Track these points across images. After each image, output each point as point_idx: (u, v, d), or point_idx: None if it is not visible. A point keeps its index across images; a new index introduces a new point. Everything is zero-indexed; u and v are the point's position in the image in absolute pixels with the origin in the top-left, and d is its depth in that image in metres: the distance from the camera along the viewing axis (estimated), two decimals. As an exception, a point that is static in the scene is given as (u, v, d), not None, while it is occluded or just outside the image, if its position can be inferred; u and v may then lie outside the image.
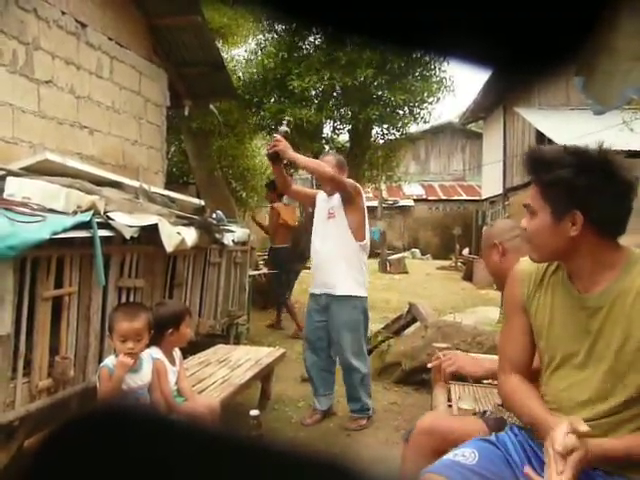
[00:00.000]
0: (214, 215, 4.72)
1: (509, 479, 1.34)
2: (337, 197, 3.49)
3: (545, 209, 1.31)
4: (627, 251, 1.31)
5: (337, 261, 3.46)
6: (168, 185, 6.34)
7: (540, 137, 11.87)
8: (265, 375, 3.77)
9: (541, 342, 1.43)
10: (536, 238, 1.34)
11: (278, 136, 3.36)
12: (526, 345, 1.48)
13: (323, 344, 3.67)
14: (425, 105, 6.90)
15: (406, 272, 13.72)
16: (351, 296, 3.46)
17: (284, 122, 3.70)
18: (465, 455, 1.36)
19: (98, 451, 0.34)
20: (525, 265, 1.49)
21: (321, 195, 3.70)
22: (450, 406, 2.74)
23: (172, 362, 2.61)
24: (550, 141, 10.92)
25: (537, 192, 1.33)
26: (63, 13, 4.41)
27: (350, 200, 3.45)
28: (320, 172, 3.44)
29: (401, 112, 6.85)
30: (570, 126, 10.43)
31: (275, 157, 3.38)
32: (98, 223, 2.88)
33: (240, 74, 7.22)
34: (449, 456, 1.38)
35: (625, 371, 1.26)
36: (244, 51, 7.82)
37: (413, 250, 19.17)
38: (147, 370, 2.39)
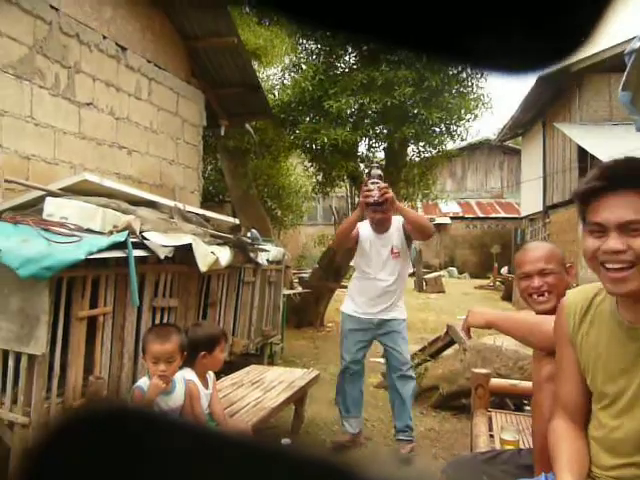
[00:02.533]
0: (249, 234, 4.71)
1: None
2: (399, 235, 3.47)
3: None
4: None
5: (398, 293, 3.60)
6: (204, 204, 6.40)
7: (582, 153, 11.54)
8: (299, 398, 3.69)
9: (588, 378, 1.34)
10: None
11: (380, 182, 3.11)
12: (578, 384, 1.38)
13: (361, 365, 3.68)
14: (462, 122, 6.80)
15: (443, 291, 13.46)
16: (405, 319, 3.64)
17: (375, 165, 3.48)
18: None
19: (98, 451, 0.33)
20: (573, 296, 1.41)
21: (366, 229, 3.53)
22: (492, 436, 2.61)
23: (205, 385, 2.56)
24: (592, 157, 10.61)
25: None
26: (104, 37, 4.52)
27: (413, 237, 3.50)
28: (425, 225, 3.38)
29: (437, 130, 6.76)
30: (613, 142, 10.10)
31: (379, 204, 3.16)
32: (133, 243, 2.89)
33: (276, 93, 7.28)
34: None
35: None
36: (279, 70, 7.89)
37: (450, 269, 18.85)
38: (180, 392, 2.35)
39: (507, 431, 2.47)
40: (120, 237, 2.80)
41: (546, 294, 1.78)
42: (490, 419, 2.85)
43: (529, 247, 1.94)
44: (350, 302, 3.66)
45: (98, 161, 4.49)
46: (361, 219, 3.43)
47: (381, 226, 3.48)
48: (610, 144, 10.01)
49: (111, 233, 2.91)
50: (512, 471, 1.76)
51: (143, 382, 2.29)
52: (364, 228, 3.57)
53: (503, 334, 1.89)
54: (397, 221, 3.55)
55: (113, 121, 4.69)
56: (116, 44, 4.68)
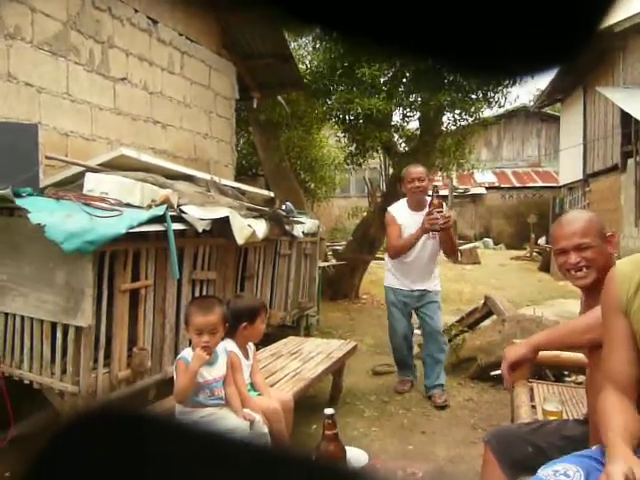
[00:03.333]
0: (283, 207, 4.70)
1: None
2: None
3: None
4: None
5: (433, 267, 3.95)
6: (238, 177, 6.42)
7: (625, 118, 11.08)
8: (337, 368, 3.72)
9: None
10: None
11: (442, 210, 3.54)
12: (630, 354, 1.34)
13: (409, 329, 4.07)
14: (500, 88, 6.57)
15: (478, 262, 13.28)
16: (440, 290, 4.03)
17: (436, 193, 3.61)
18: (569, 474, 1.21)
19: (99, 453, 0.33)
20: (623, 266, 1.38)
21: (402, 209, 3.83)
22: (534, 407, 2.58)
23: (246, 356, 2.60)
24: (637, 122, 10.17)
25: None
26: (136, 11, 4.51)
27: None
28: (455, 251, 4.07)
29: (474, 96, 6.55)
30: (660, 105, 9.65)
31: (440, 231, 3.61)
32: (172, 216, 2.91)
33: (307, 63, 7.17)
34: (547, 473, 1.23)
35: None
36: (310, 38, 7.74)
37: (485, 240, 18.55)
38: (222, 363, 2.38)
39: (550, 402, 2.43)
40: (159, 211, 2.82)
41: (584, 269, 1.70)
42: (531, 390, 2.81)
43: (564, 220, 1.81)
44: (391, 277, 4.00)
45: (134, 136, 4.53)
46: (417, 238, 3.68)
47: (418, 198, 3.76)
48: (656, 107, 9.56)
49: (150, 207, 2.94)
50: (558, 442, 1.72)
51: (187, 353, 2.33)
52: (399, 210, 3.83)
53: (556, 350, 1.82)
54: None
55: (147, 96, 4.70)
56: (147, 17, 4.66)
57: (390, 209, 3.91)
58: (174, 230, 2.90)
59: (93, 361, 2.64)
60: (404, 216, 3.78)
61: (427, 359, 3.95)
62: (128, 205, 2.93)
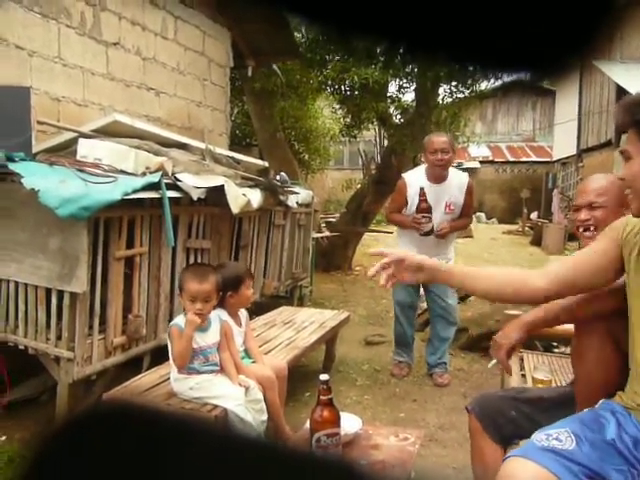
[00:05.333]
0: (278, 177, 4.68)
1: (613, 470, 1.21)
2: (457, 193, 3.57)
3: None
4: None
5: (449, 242, 3.79)
6: (232, 147, 6.35)
7: (621, 92, 11.03)
8: (330, 338, 3.76)
9: (631, 293, 1.37)
10: (635, 183, 1.27)
11: (430, 217, 3.41)
12: (589, 265, 1.43)
13: (413, 307, 3.94)
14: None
15: (471, 236, 13.33)
16: (452, 259, 3.83)
17: (423, 194, 3.45)
18: (560, 439, 1.23)
19: (101, 450, 0.33)
20: (626, 220, 1.41)
21: (418, 179, 3.53)
22: (523, 376, 2.62)
23: (238, 323, 2.62)
24: (633, 97, 10.12)
25: (633, 135, 1.26)
26: (128, -28, 4.39)
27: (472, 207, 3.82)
28: (463, 227, 3.97)
29: (471, 68, 6.48)
30: (657, 80, 9.61)
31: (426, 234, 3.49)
32: (166, 184, 2.90)
33: (303, 31, 7.04)
34: (540, 438, 1.26)
35: None
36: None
37: (478, 214, 18.57)
38: (215, 330, 2.41)
39: (540, 370, 2.47)
40: (154, 178, 2.80)
41: (592, 229, 1.71)
42: (521, 359, 2.86)
43: (589, 178, 1.84)
44: (401, 248, 3.68)
45: (127, 102, 4.46)
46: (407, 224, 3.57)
47: (440, 170, 3.48)
48: (653, 82, 9.53)
49: (144, 174, 2.92)
50: (540, 404, 1.76)
51: (180, 320, 2.35)
52: (416, 180, 3.53)
53: (549, 327, 1.83)
54: (460, 178, 3.59)
55: (140, 61, 4.61)
56: (140, -20, 4.55)
57: (405, 177, 3.64)
58: (169, 198, 2.89)
59: (88, 327, 2.65)
60: (418, 180, 3.50)
61: (433, 337, 3.84)
62: (122, 172, 2.90)
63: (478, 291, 1.60)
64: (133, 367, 2.92)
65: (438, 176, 3.49)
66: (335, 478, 0.33)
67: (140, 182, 2.71)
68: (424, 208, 3.39)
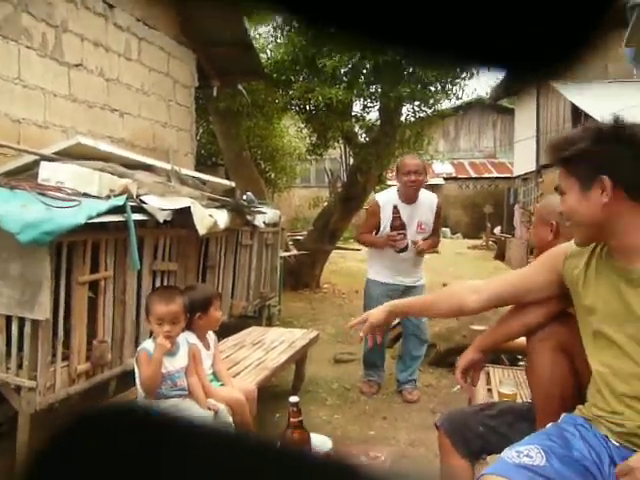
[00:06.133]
0: (244, 196, 4.68)
1: None
2: (428, 214, 3.70)
3: (573, 184, 1.34)
4: None
5: (420, 262, 3.87)
6: (197, 167, 6.33)
7: (576, 112, 11.45)
8: (299, 357, 3.75)
9: (583, 315, 1.44)
10: (571, 216, 1.37)
11: (405, 234, 3.52)
12: (520, 287, 1.58)
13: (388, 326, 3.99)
14: (457, 81, 6.69)
15: (437, 251, 13.50)
16: (424, 285, 3.95)
17: (397, 211, 3.56)
18: (531, 455, 1.27)
19: (102, 452, 0.33)
20: (573, 248, 1.49)
21: (391, 200, 3.62)
22: (490, 390, 2.68)
23: (206, 346, 2.60)
24: (587, 116, 10.53)
25: (563, 171, 1.37)
26: (91, -6, 4.37)
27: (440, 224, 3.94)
28: (434, 245, 4.00)
29: (433, 88, 6.65)
30: (608, 100, 10.02)
31: (401, 251, 3.58)
32: (131, 207, 2.87)
33: (268, 52, 7.11)
34: (511, 455, 1.29)
35: None
36: (272, 28, 7.67)
37: (443, 229, 18.90)
38: (183, 354, 2.38)
39: (505, 385, 2.53)
40: (119, 201, 2.77)
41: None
42: (488, 374, 2.92)
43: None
44: (374, 269, 3.83)
45: (90, 124, 4.40)
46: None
47: (412, 191, 3.58)
48: (605, 102, 9.93)
49: (109, 197, 2.88)
50: (507, 419, 1.80)
51: (148, 344, 2.31)
52: (388, 202, 3.61)
53: (502, 344, 1.94)
54: (431, 198, 3.71)
55: (103, 82, 4.58)
56: (103, 1, 4.52)
57: (378, 198, 3.76)
58: (134, 220, 2.85)
59: (51, 355, 2.58)
60: (390, 200, 3.60)
61: (405, 355, 3.88)
62: (86, 195, 2.86)
63: (431, 313, 2.06)
64: (99, 394, 2.86)
65: (410, 197, 3.59)
66: (335, 478, 0.33)
67: (104, 205, 2.68)
68: (398, 225, 3.47)
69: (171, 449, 0.33)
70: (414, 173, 3.50)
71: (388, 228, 3.58)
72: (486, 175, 20.35)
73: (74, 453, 0.33)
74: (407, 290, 3.74)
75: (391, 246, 3.53)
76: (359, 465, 0.33)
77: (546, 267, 1.55)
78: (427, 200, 3.69)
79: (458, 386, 2.12)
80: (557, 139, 1.45)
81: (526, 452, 1.28)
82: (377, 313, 1.85)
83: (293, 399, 1.79)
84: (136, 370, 2.31)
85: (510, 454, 1.29)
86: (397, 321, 4.36)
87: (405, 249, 3.54)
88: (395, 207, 3.52)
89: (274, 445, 0.35)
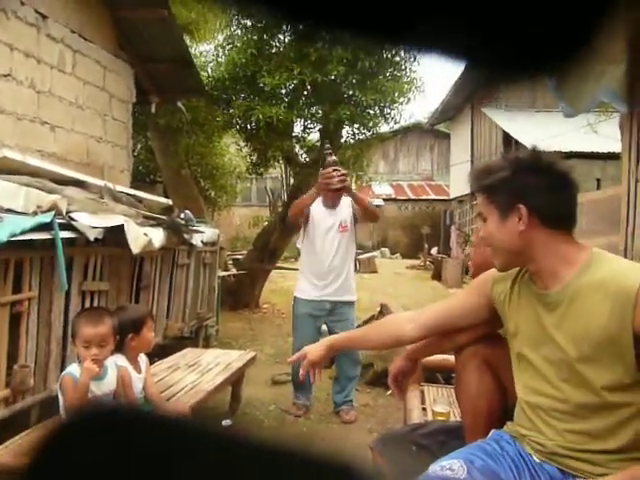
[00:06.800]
0: (182, 215, 4.60)
1: None
2: (348, 211, 3.71)
3: (493, 212, 1.39)
4: (589, 250, 1.35)
5: (349, 271, 3.79)
6: (134, 183, 6.17)
7: (507, 138, 12.04)
8: (236, 379, 3.68)
9: (509, 337, 1.50)
10: (491, 241, 1.43)
11: (339, 169, 3.41)
12: (454, 315, 1.64)
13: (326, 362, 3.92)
14: (395, 105, 6.89)
15: (376, 271, 13.75)
16: (355, 301, 3.89)
17: (328, 151, 3.50)
18: (453, 468, 1.31)
19: (97, 453, 0.33)
20: (497, 273, 1.55)
21: (318, 206, 3.69)
22: (424, 409, 2.72)
23: (137, 369, 2.51)
24: (517, 142, 11.10)
25: (483, 199, 1.43)
26: (22, 3, 4.22)
27: (360, 220, 3.78)
28: (373, 210, 3.76)
29: (372, 112, 6.81)
30: (536, 127, 10.61)
31: (337, 190, 3.45)
32: (60, 224, 2.75)
33: (209, 70, 7.08)
34: (435, 469, 1.33)
35: (587, 367, 1.28)
36: (213, 47, 7.67)
37: (382, 249, 19.25)
38: (112, 377, 2.29)
39: (439, 403, 2.58)
40: (46, 218, 2.65)
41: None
42: (422, 392, 2.97)
43: None
44: (301, 284, 3.82)
45: (18, 137, 4.21)
46: (313, 201, 3.59)
47: (333, 202, 3.67)
48: (533, 130, 10.51)
49: (35, 214, 2.75)
50: (439, 438, 1.84)
51: (73, 369, 2.21)
52: (314, 205, 3.70)
53: (429, 356, 2.03)
54: (347, 200, 3.76)
55: (34, 94, 4.40)
56: (36, 12, 4.37)
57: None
58: (63, 239, 2.74)
59: (-34, 381, 2.42)
60: (316, 207, 3.68)
61: (340, 376, 3.86)
62: (10, 211, 2.72)
63: (371, 346, 2.09)
64: (20, 422, 2.69)
65: (331, 204, 3.68)
66: (334, 478, 0.33)
67: (30, 222, 2.55)
68: (331, 162, 3.41)
69: (164, 449, 0.33)
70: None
71: (318, 227, 3.66)
72: (424, 197, 20.97)
73: (66, 457, 0.33)
74: (335, 307, 3.73)
75: (326, 185, 3.39)
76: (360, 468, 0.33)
77: (478, 292, 1.61)
78: (345, 203, 3.74)
79: (390, 392, 2.18)
80: (479, 168, 1.52)
81: (448, 466, 1.33)
82: (316, 349, 1.80)
83: (226, 422, 1.75)
84: (60, 396, 2.20)
85: (434, 468, 1.33)
86: None
87: (341, 188, 3.43)
88: (328, 147, 3.52)
89: (274, 447, 0.35)
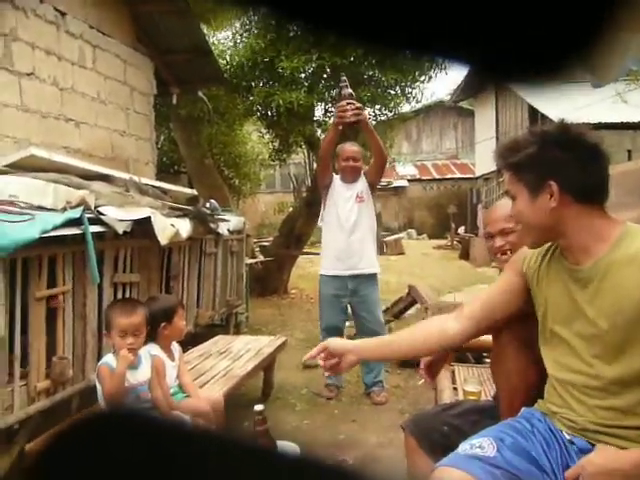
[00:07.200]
0: (208, 204, 4.64)
1: (533, 472, 1.29)
2: (363, 183, 3.77)
3: (522, 190, 1.36)
4: (622, 225, 1.32)
5: (368, 243, 3.78)
6: (159, 175, 6.24)
7: (533, 112, 11.76)
8: (267, 365, 3.73)
9: (539, 313, 1.47)
10: (522, 220, 1.40)
11: (355, 103, 3.35)
12: (491, 301, 1.56)
13: (344, 324, 3.97)
14: (417, 84, 6.78)
15: (403, 253, 13.68)
16: (377, 274, 3.85)
17: (344, 83, 3.40)
18: (483, 446, 1.30)
19: (101, 453, 0.34)
20: (529, 250, 1.52)
21: (337, 182, 3.80)
22: (455, 389, 2.71)
23: (171, 357, 2.56)
24: (543, 116, 10.83)
25: (511, 176, 1.39)
26: (41, 1, 4.27)
27: (375, 187, 3.84)
28: (382, 149, 3.69)
29: (393, 92, 6.72)
30: (563, 100, 10.33)
31: (353, 124, 3.39)
32: (89, 219, 2.80)
33: (227, 58, 7.07)
34: (465, 448, 1.32)
35: (618, 342, 1.26)
36: (231, 34, 7.64)
37: (409, 230, 19.12)
38: (146, 367, 2.34)
39: (470, 383, 2.56)
40: (75, 213, 2.71)
41: (509, 252, 1.82)
42: (453, 373, 2.96)
43: (494, 206, 1.98)
44: (324, 260, 3.87)
45: (44, 135, 4.29)
46: (335, 139, 3.62)
47: (351, 175, 3.74)
48: (561, 102, 10.23)
49: (64, 209, 2.81)
50: (471, 417, 1.84)
51: (109, 358, 2.26)
52: (334, 181, 3.81)
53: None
54: (362, 176, 3.84)
55: (57, 92, 4.47)
56: (54, 9, 4.42)
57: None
58: (92, 233, 2.79)
59: (8, 374, 2.50)
60: (336, 188, 3.78)
61: None
62: (40, 208, 2.78)
63: (403, 352, 1.74)
64: (61, 412, 2.78)
65: (349, 179, 3.76)
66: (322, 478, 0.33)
67: (60, 218, 2.61)
68: (347, 95, 3.36)
69: (168, 451, 0.33)
70: (352, 159, 3.70)
71: (339, 202, 3.72)
72: (449, 176, 20.70)
73: (72, 457, 0.33)
74: (358, 285, 3.75)
75: (340, 118, 3.35)
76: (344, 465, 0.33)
77: (514, 272, 1.57)
78: (361, 178, 3.80)
79: (422, 380, 2.12)
80: (504, 144, 1.47)
81: (478, 444, 1.32)
82: (336, 347, 1.66)
83: (258, 407, 1.78)
84: (98, 386, 2.26)
85: (464, 447, 1.33)
86: (349, 324, 4.34)
87: (356, 122, 3.38)
88: (344, 78, 3.46)
89: (272, 451, 0.36)
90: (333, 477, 0.34)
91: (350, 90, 3.39)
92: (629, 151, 9.16)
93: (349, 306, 3.91)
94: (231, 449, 0.35)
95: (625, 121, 9.03)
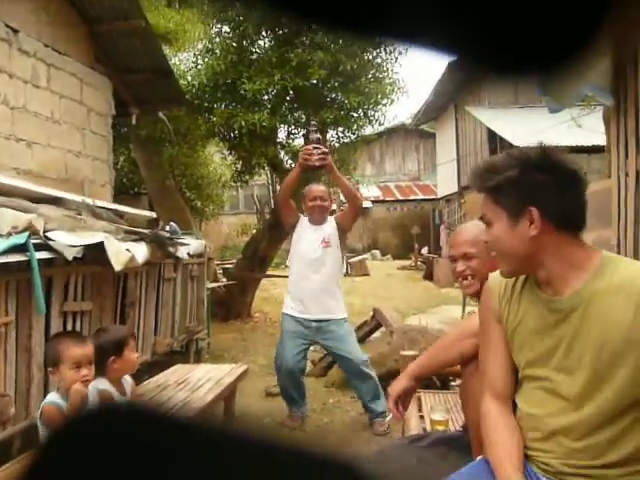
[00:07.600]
0: (167, 227, 4.50)
1: None
2: (332, 228, 3.68)
3: (500, 215, 1.27)
4: (599, 253, 1.27)
5: (334, 288, 3.70)
6: (118, 197, 6.07)
7: (491, 135, 12.06)
8: (228, 394, 3.59)
9: (518, 353, 1.38)
10: (499, 247, 1.30)
11: (322, 148, 3.36)
12: (505, 360, 1.41)
13: (303, 365, 3.82)
14: (379, 107, 6.84)
15: (367, 274, 13.69)
16: (345, 318, 3.75)
17: (314, 128, 3.48)
18: None
19: (100, 453, 0.32)
20: (494, 277, 1.44)
21: (305, 222, 3.72)
22: (422, 417, 2.64)
23: (122, 392, 2.41)
24: (501, 139, 11.09)
25: (489, 200, 1.30)
26: (-8, 18, 4.11)
27: (346, 232, 3.75)
28: (354, 193, 3.69)
29: (356, 114, 6.76)
30: (520, 124, 10.62)
31: (317, 168, 3.41)
32: (36, 244, 2.65)
33: (189, 79, 6.99)
34: None
35: (605, 373, 1.20)
36: (192, 55, 7.57)
37: (373, 251, 19.21)
38: (93, 403, 2.18)
39: (437, 411, 2.49)
40: (20, 239, 2.55)
41: (469, 278, 1.77)
42: (419, 399, 2.89)
43: (458, 230, 1.93)
44: (288, 300, 3.76)
45: (-8, 155, 4.10)
46: (297, 178, 3.56)
47: (319, 216, 3.68)
48: (517, 126, 10.51)
49: (9, 235, 2.65)
50: (441, 450, 1.77)
51: (54, 397, 2.10)
52: (302, 222, 3.74)
53: (436, 373, 1.90)
54: (332, 219, 3.79)
55: (8, 111, 4.28)
56: (6, 26, 4.27)
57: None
58: (40, 259, 2.64)
59: (-58, 414, 2.31)
60: (304, 228, 3.71)
61: (360, 394, 3.76)
62: (-17, 233, 2.61)
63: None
64: (1, 452, 2.58)
65: (317, 220, 3.69)
66: (336, 476, 0.33)
67: (4, 244, 2.45)
68: (314, 139, 3.38)
69: (168, 448, 0.33)
70: (319, 199, 3.64)
71: (306, 244, 3.64)
72: (412, 197, 20.98)
73: (70, 456, 0.33)
74: (322, 326, 3.63)
75: (305, 161, 3.32)
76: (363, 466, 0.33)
77: (494, 319, 1.45)
78: (329, 222, 3.74)
79: (390, 415, 2.04)
80: (481, 166, 1.38)
81: None
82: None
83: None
84: (41, 428, 2.09)
85: None
86: (313, 348, 4.25)
87: (321, 167, 3.38)
88: (314, 124, 3.51)
89: (277, 445, 0.35)
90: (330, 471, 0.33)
91: (318, 135, 3.44)
92: (584, 174, 9.43)
93: (320, 345, 3.88)
94: (233, 446, 0.34)
95: (580, 144, 9.31)
